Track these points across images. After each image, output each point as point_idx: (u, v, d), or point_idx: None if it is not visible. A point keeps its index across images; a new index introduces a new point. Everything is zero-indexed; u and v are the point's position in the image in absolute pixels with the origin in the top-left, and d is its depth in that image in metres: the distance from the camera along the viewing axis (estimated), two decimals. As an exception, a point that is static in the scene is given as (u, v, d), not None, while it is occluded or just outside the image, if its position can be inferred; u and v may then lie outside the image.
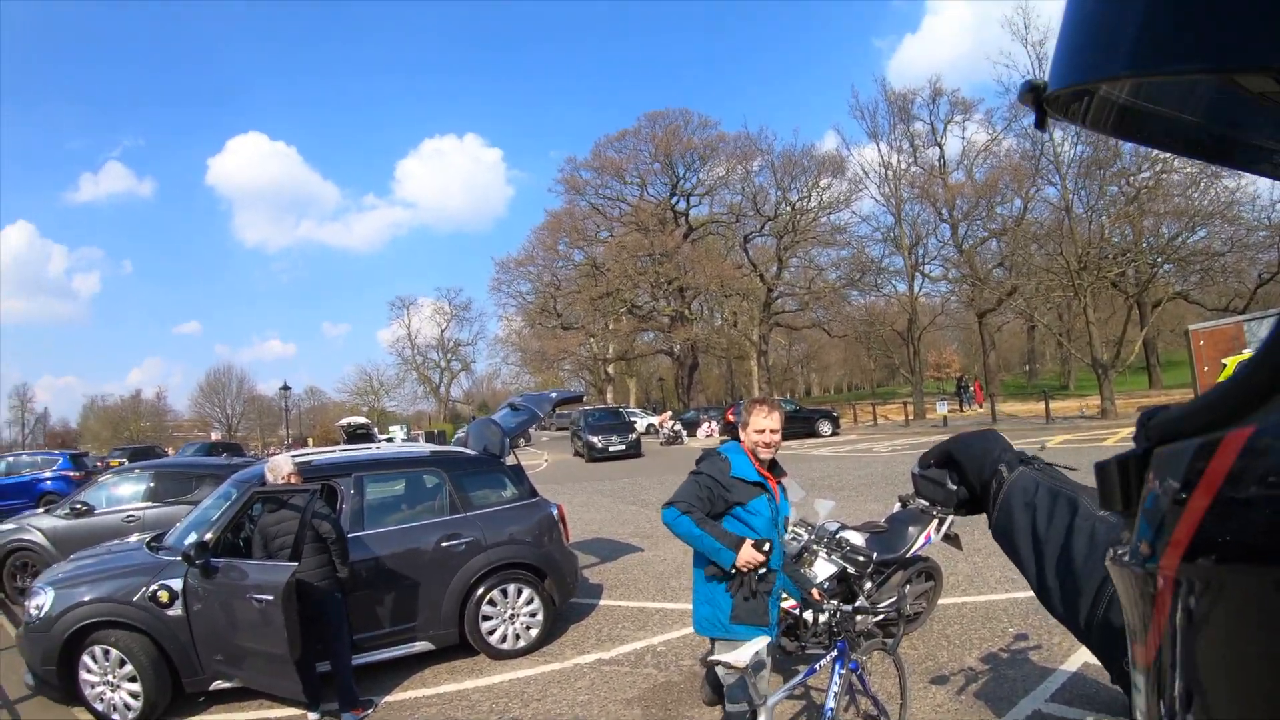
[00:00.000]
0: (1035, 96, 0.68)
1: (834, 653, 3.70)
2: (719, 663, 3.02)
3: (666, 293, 50.37)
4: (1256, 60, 0.48)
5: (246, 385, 73.15)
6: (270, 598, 4.95)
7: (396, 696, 5.78)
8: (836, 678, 3.61)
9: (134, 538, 6.91)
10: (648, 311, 52.40)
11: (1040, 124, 0.71)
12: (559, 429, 52.16)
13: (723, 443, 3.82)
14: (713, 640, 3.67)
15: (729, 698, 3.54)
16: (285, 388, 45.97)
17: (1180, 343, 30.85)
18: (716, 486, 3.58)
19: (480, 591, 6.40)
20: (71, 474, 19.99)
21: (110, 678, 5.26)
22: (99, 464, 23.82)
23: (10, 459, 22.30)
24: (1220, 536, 0.52)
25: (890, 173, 41.00)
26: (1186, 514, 0.54)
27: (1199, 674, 0.55)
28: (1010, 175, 37.86)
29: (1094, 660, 4.68)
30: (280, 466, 5.67)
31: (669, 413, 41.87)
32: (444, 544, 6.36)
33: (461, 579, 6.34)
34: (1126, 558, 0.65)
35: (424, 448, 7.83)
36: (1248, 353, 17.55)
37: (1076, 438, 19.96)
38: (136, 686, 5.24)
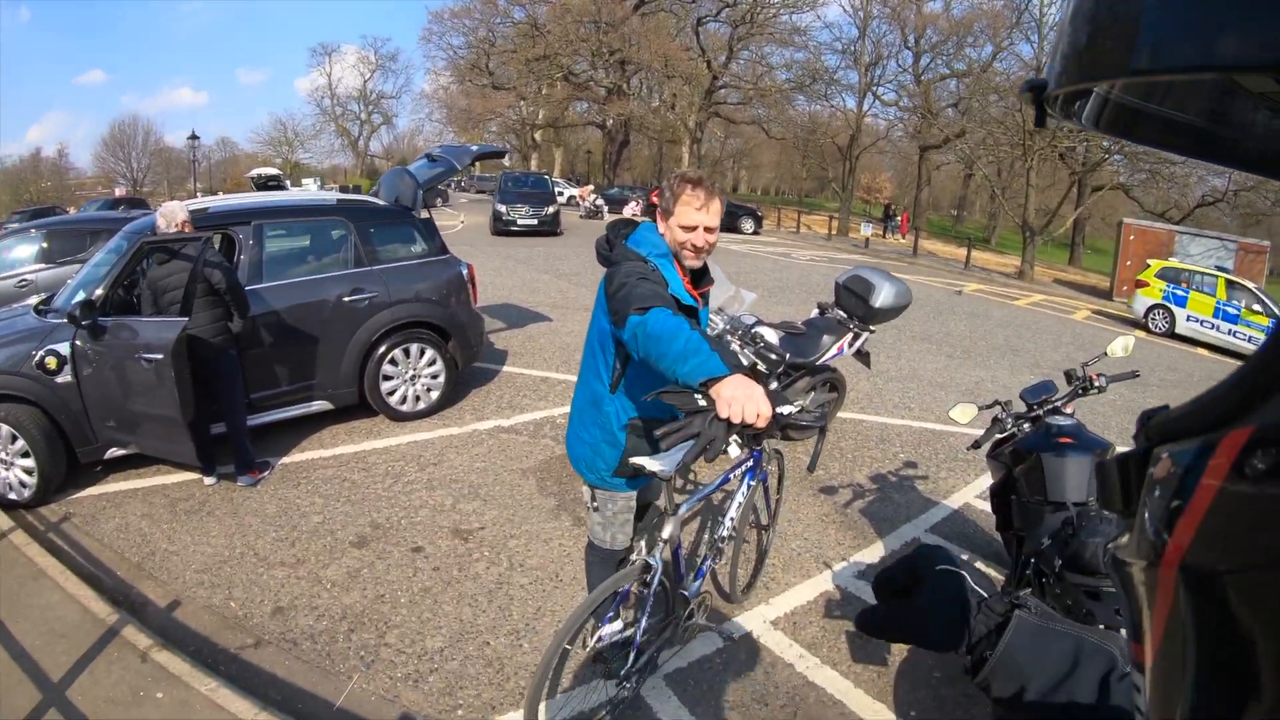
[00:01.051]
0: (1035, 96, 0.68)
1: (749, 463, 3.42)
2: (641, 468, 2.55)
3: (607, 64, 47.52)
4: (1256, 60, 0.46)
5: (154, 137, 67.06)
6: (160, 356, 4.57)
7: (293, 458, 5.64)
8: (745, 488, 3.41)
9: (31, 301, 6.23)
10: (584, 81, 49.60)
11: (1040, 122, 0.72)
12: (479, 191, 50.62)
13: (634, 227, 2.74)
14: (592, 487, 2.94)
15: (598, 507, 2.95)
16: (193, 137, 42.10)
17: (1108, 231, 31.73)
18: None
19: (382, 350, 6.16)
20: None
21: (3, 455, 4.86)
22: (-5, 231, 21.42)
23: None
24: (1221, 536, 0.51)
25: (866, -15, 38.89)
26: (1187, 514, 0.53)
27: (1200, 672, 0.55)
28: (989, 20, 36.71)
29: (977, 503, 4.85)
30: (173, 214, 5.07)
31: (590, 185, 40.25)
32: (346, 299, 6.01)
33: (363, 336, 6.06)
34: (1127, 558, 0.64)
35: (329, 196, 7.22)
36: (1174, 261, 18.43)
37: (989, 290, 20.49)
38: (30, 462, 4.85)
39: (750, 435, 3.21)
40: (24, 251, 9.57)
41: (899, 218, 41.42)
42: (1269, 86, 0.65)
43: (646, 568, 2.70)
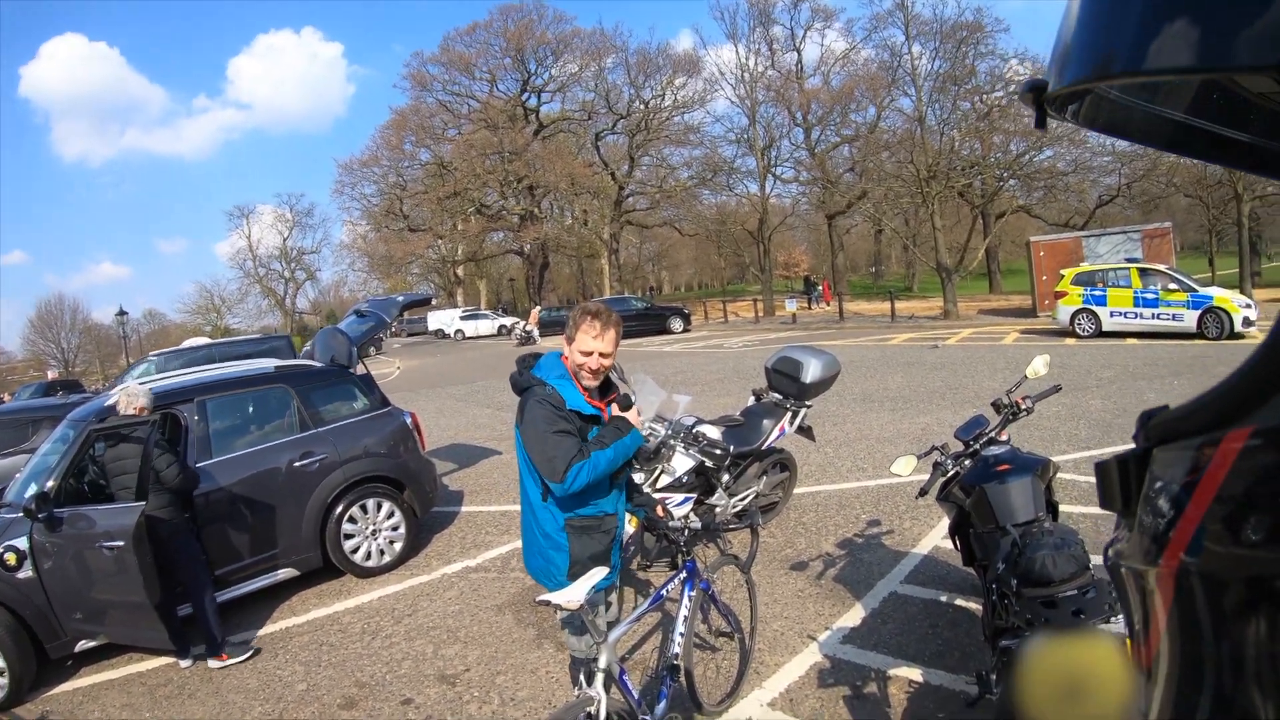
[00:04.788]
0: (1036, 96, 0.68)
1: (682, 574, 3.49)
2: (548, 603, 2.76)
3: (516, 191, 48.99)
4: (1256, 60, 0.47)
5: (81, 315, 66.57)
6: (121, 543, 4.55)
7: (267, 629, 5.53)
8: (687, 599, 3.45)
9: None
10: (496, 211, 50.88)
11: (1040, 122, 0.71)
12: (411, 335, 51.12)
13: (538, 359, 3.18)
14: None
15: (569, 628, 3.29)
16: (121, 313, 42.23)
17: (1021, 252, 33.22)
18: (570, 418, 2.96)
19: (339, 509, 6.16)
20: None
21: None
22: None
23: None
24: (1220, 535, 0.51)
25: (746, 75, 41.70)
26: (1187, 513, 0.53)
27: (1200, 671, 0.55)
28: (866, 84, 39.37)
29: (944, 543, 4.94)
30: (134, 397, 5.10)
31: (537, 308, 40.25)
32: (296, 464, 6.04)
33: (318, 498, 6.07)
34: (1126, 558, 0.64)
35: (268, 364, 7.32)
36: (1085, 265, 19.17)
37: (920, 336, 21.21)
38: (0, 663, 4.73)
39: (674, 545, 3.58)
40: None
41: (820, 286, 42.78)
42: (1269, 86, 0.66)
43: (589, 700, 2.75)
